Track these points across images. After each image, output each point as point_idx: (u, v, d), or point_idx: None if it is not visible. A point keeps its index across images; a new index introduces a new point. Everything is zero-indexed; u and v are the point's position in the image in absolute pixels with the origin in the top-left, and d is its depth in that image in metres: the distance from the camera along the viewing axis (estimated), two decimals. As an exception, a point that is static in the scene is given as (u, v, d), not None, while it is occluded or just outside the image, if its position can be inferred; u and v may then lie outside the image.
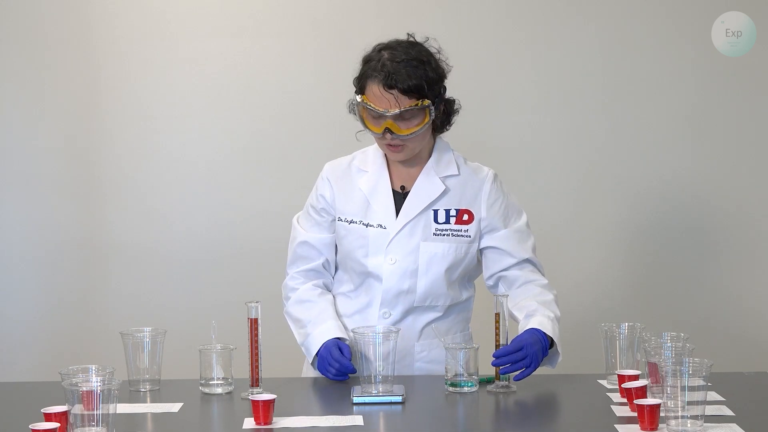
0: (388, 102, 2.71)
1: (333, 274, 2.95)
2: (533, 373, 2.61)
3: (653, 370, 2.34)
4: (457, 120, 2.89)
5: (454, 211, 2.84)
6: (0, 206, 4.14)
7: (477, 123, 4.10)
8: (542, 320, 2.69)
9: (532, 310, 2.74)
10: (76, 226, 4.14)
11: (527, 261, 2.86)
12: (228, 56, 4.12)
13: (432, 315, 2.85)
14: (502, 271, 2.85)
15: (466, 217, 2.85)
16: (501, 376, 2.59)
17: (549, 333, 2.67)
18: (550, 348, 2.69)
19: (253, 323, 2.54)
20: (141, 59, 4.12)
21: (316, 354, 2.78)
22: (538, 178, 4.13)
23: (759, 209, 4.15)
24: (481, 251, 2.88)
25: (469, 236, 2.84)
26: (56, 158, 4.14)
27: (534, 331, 2.65)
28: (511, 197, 2.91)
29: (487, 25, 4.12)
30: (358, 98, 2.77)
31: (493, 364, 2.58)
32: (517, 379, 2.59)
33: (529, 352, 2.59)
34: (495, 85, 4.13)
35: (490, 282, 2.89)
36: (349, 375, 2.70)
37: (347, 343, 2.78)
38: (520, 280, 2.84)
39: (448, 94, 2.83)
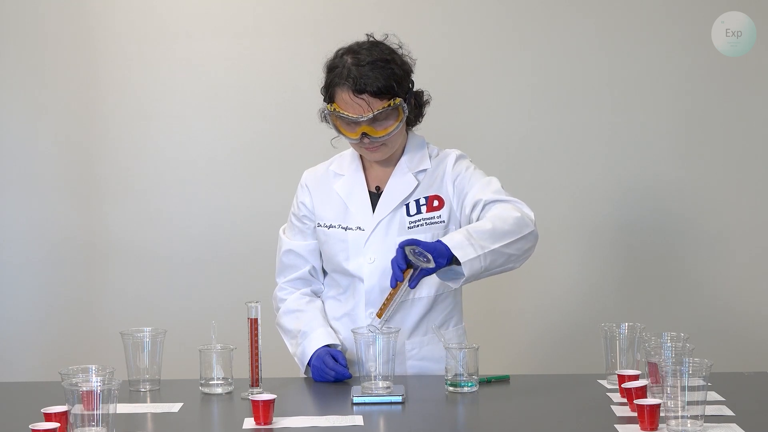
0: (360, 107, 2.70)
1: (322, 279, 2.95)
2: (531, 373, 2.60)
3: (653, 370, 2.34)
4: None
5: (424, 200, 2.83)
6: (0, 206, 4.14)
7: (474, 122, 4.11)
8: (445, 236, 2.62)
9: None
10: (76, 226, 4.14)
11: (489, 202, 2.74)
12: (228, 56, 4.12)
13: (420, 310, 2.83)
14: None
15: (436, 203, 2.83)
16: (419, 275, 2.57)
17: (444, 240, 2.56)
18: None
19: (253, 323, 2.55)
20: (141, 59, 4.12)
21: (309, 364, 2.79)
22: (537, 177, 4.12)
23: (759, 209, 4.15)
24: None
25: (443, 221, 2.82)
26: (56, 158, 4.14)
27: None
28: (478, 169, 2.85)
29: (485, 25, 4.12)
30: (329, 107, 2.76)
31: (399, 278, 2.54)
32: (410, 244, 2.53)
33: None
34: (493, 85, 4.12)
35: None
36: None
37: (339, 348, 2.80)
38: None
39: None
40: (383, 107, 2.71)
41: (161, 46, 4.12)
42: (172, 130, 4.15)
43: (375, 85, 2.69)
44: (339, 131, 2.78)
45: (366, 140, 2.74)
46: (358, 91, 2.70)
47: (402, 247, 2.55)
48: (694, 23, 4.09)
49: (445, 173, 2.85)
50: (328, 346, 2.78)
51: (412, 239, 2.57)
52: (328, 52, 2.81)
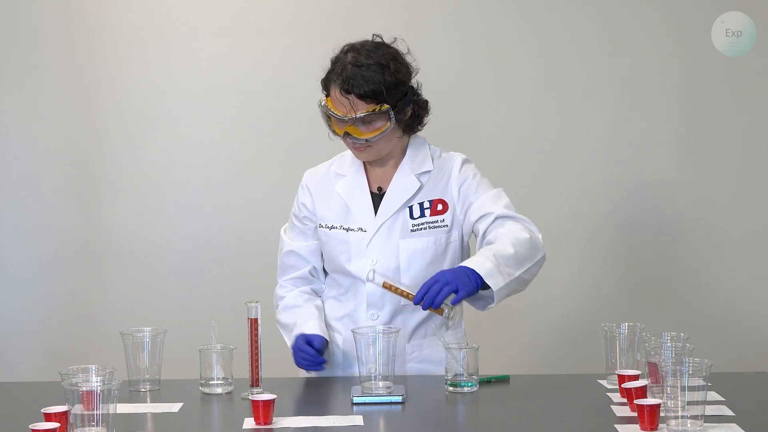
0: (344, 107, 2.71)
1: (323, 279, 2.95)
2: (532, 374, 2.61)
3: (653, 370, 2.34)
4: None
5: (428, 203, 2.83)
6: (0, 206, 4.14)
7: (474, 122, 4.11)
8: (473, 259, 2.63)
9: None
10: (76, 226, 4.14)
11: (500, 217, 2.76)
12: (228, 57, 4.12)
13: (421, 313, 2.82)
14: (483, 238, 2.77)
15: (440, 207, 2.83)
16: (442, 310, 2.59)
17: (471, 265, 2.58)
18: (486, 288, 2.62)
19: (253, 323, 2.55)
20: (141, 59, 4.12)
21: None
22: (537, 177, 4.13)
23: (759, 209, 4.15)
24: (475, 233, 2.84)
25: (446, 225, 2.82)
26: (56, 158, 4.14)
27: (457, 267, 2.62)
28: (484, 177, 2.86)
29: (485, 26, 4.12)
30: (323, 101, 2.77)
31: (424, 307, 2.56)
32: (450, 301, 2.55)
33: (441, 277, 2.56)
34: (493, 85, 4.12)
35: None
36: (323, 365, 2.75)
37: (323, 335, 2.78)
38: (497, 236, 2.74)
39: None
40: (367, 111, 2.70)
41: (161, 46, 4.12)
42: (172, 130, 4.15)
43: (362, 89, 2.69)
44: (329, 125, 2.79)
45: (349, 139, 2.75)
46: (345, 90, 2.70)
47: (453, 300, 2.55)
48: (694, 23, 4.10)
49: (450, 177, 2.85)
50: (312, 334, 2.78)
51: (466, 292, 2.56)
52: (328, 52, 2.81)
